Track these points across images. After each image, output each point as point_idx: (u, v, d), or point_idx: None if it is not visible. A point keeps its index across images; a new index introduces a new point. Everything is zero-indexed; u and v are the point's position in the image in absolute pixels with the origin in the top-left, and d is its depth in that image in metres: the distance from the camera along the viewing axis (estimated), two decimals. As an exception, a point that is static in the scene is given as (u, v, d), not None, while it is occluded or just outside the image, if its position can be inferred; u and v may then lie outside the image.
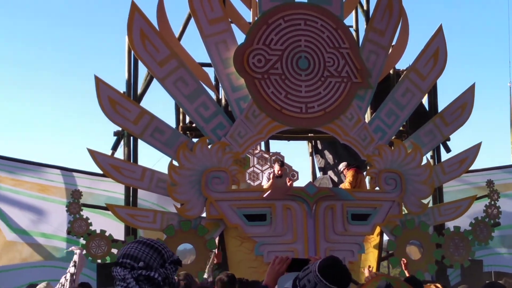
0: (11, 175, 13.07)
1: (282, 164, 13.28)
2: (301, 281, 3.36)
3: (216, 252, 9.33)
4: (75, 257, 10.60)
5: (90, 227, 11.38)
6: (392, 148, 12.18)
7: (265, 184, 13.18)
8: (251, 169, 14.71)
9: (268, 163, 14.77)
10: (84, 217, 11.44)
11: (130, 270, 2.97)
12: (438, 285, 6.11)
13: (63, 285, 8.71)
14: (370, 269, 9.82)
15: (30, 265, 12.82)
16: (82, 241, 11.40)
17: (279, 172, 12.97)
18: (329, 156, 16.23)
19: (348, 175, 13.02)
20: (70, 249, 10.83)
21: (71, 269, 10.74)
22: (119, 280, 2.99)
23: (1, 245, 12.82)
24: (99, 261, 11.40)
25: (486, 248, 13.74)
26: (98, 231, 11.32)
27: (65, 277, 10.37)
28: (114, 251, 11.19)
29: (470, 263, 12.74)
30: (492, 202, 13.33)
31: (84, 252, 11.19)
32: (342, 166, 13.69)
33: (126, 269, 2.97)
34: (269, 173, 13.24)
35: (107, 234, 11.33)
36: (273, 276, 3.96)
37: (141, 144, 12.23)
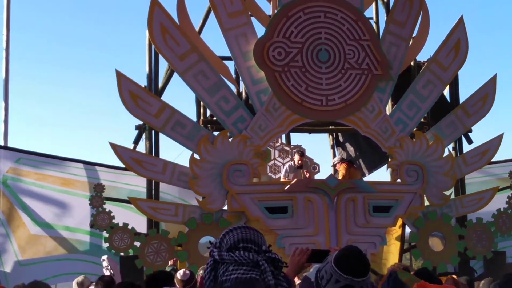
0: (34, 169, 13.20)
1: (302, 154, 13.29)
2: (321, 272, 3.37)
3: None
4: (104, 263, 10.70)
5: (113, 220, 11.48)
6: (414, 140, 12.12)
7: (283, 176, 13.21)
8: (272, 162, 14.72)
9: (289, 156, 14.77)
10: (107, 210, 11.54)
11: (258, 254, 2.83)
12: (454, 276, 6.10)
13: None
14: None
15: (54, 258, 12.94)
16: (105, 234, 11.49)
17: (299, 162, 12.97)
18: (350, 149, 16.18)
19: (341, 169, 13.20)
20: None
21: (106, 273, 10.88)
22: (241, 265, 2.80)
23: (26, 239, 12.97)
24: (122, 254, 11.49)
25: (509, 239, 13.65)
26: (120, 224, 11.41)
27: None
28: (137, 244, 11.27)
29: (492, 255, 12.68)
30: (515, 194, 13.26)
31: (107, 245, 11.34)
32: (336, 159, 14.06)
33: (254, 253, 2.81)
34: (289, 165, 13.26)
35: (129, 227, 11.41)
36: (294, 268, 3.93)
37: (162, 137, 12.27)
